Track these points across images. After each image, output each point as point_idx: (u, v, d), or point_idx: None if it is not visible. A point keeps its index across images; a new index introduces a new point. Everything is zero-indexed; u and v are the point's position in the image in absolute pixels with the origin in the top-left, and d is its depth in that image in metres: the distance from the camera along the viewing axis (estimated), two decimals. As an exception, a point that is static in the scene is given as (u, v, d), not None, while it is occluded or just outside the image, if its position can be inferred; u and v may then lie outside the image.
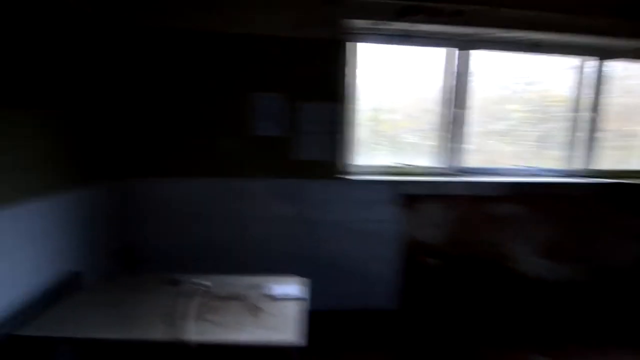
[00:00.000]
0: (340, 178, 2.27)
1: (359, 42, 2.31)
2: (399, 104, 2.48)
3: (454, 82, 2.42)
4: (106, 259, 1.99)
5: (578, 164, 2.66)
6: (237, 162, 2.20)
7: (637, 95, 2.76)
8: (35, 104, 1.49)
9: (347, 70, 2.21)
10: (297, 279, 1.72)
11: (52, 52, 1.57)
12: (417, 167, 2.48)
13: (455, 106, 2.44)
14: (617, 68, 2.62)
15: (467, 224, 2.47)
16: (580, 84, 2.60)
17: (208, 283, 1.61)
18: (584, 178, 2.59)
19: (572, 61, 2.59)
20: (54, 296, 1.52)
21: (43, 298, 1.47)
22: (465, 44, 2.39)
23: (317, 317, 1.62)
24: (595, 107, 2.59)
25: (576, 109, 2.62)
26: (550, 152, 2.73)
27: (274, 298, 1.54)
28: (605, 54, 2.55)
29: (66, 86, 1.67)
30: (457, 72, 2.42)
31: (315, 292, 1.72)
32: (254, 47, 2.11)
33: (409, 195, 2.35)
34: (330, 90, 2.19)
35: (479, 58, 2.43)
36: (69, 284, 1.64)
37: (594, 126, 2.61)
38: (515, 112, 2.65)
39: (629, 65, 2.66)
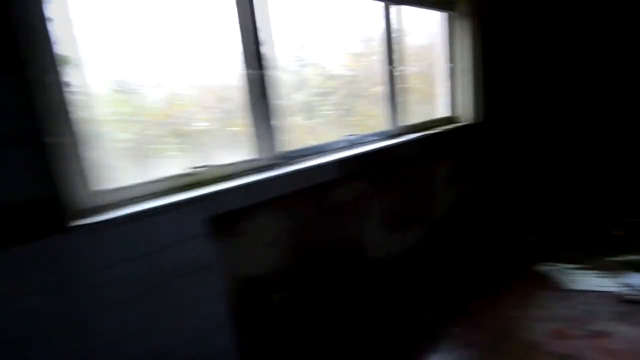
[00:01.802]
0: (75, 227, 1.11)
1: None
2: (171, 72, 1.49)
3: (252, 37, 1.61)
4: None
5: (396, 122, 2.42)
6: None
7: (417, 46, 2.74)
8: None
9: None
10: None
11: None
12: (223, 166, 1.59)
13: (258, 67, 1.65)
14: (409, 15, 2.44)
15: (311, 227, 1.82)
16: (385, 33, 2.28)
17: None
18: (404, 136, 2.38)
19: (374, 7, 2.22)
20: None
21: None
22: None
23: None
24: (400, 60, 2.35)
25: (386, 61, 2.31)
26: (369, 114, 2.39)
27: None
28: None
29: None
30: (248, 22, 1.61)
31: None
32: None
33: (222, 214, 1.45)
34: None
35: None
36: None
37: (402, 80, 2.39)
38: (318, 77, 2.12)
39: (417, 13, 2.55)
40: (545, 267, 2.32)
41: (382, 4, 2.21)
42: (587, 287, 2.07)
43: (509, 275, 2.30)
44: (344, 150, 2.09)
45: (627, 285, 2.03)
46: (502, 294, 2.10)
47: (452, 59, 2.80)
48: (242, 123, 1.65)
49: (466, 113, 2.86)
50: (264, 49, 1.63)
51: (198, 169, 1.50)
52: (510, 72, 3.06)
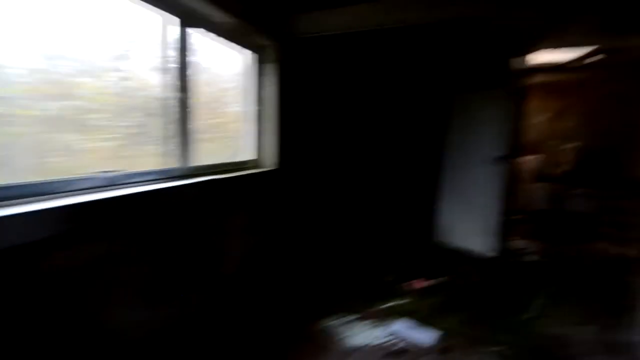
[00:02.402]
0: None
1: None
2: None
3: None
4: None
5: (176, 162, 1.99)
6: None
7: (219, 81, 2.50)
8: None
9: None
10: None
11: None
12: None
13: None
14: (203, 45, 2.15)
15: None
16: (165, 56, 1.88)
17: None
18: (185, 179, 1.96)
19: (153, 25, 1.82)
20: None
21: None
22: None
23: None
24: (184, 89, 1.99)
25: (166, 91, 1.90)
26: (143, 149, 1.89)
27: None
28: (187, 18, 1.97)
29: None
30: None
31: None
32: None
33: None
34: None
35: None
36: None
37: (185, 113, 2.01)
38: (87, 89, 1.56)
39: (215, 44, 2.29)
40: (327, 323, 2.27)
41: (161, 19, 1.85)
42: (363, 341, 2.09)
43: (294, 336, 2.12)
44: (94, 191, 1.50)
45: (392, 334, 2.17)
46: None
47: (253, 102, 2.68)
48: None
49: (264, 158, 2.75)
50: None
51: None
52: (306, 121, 3.18)
